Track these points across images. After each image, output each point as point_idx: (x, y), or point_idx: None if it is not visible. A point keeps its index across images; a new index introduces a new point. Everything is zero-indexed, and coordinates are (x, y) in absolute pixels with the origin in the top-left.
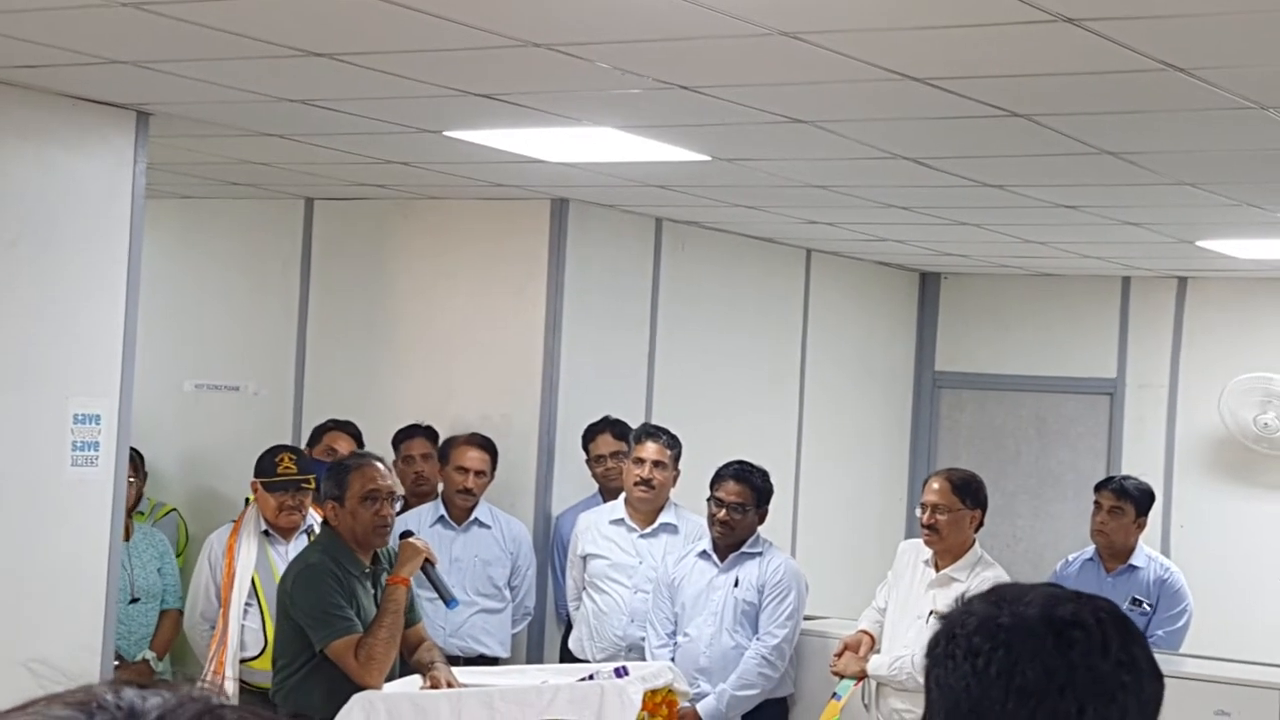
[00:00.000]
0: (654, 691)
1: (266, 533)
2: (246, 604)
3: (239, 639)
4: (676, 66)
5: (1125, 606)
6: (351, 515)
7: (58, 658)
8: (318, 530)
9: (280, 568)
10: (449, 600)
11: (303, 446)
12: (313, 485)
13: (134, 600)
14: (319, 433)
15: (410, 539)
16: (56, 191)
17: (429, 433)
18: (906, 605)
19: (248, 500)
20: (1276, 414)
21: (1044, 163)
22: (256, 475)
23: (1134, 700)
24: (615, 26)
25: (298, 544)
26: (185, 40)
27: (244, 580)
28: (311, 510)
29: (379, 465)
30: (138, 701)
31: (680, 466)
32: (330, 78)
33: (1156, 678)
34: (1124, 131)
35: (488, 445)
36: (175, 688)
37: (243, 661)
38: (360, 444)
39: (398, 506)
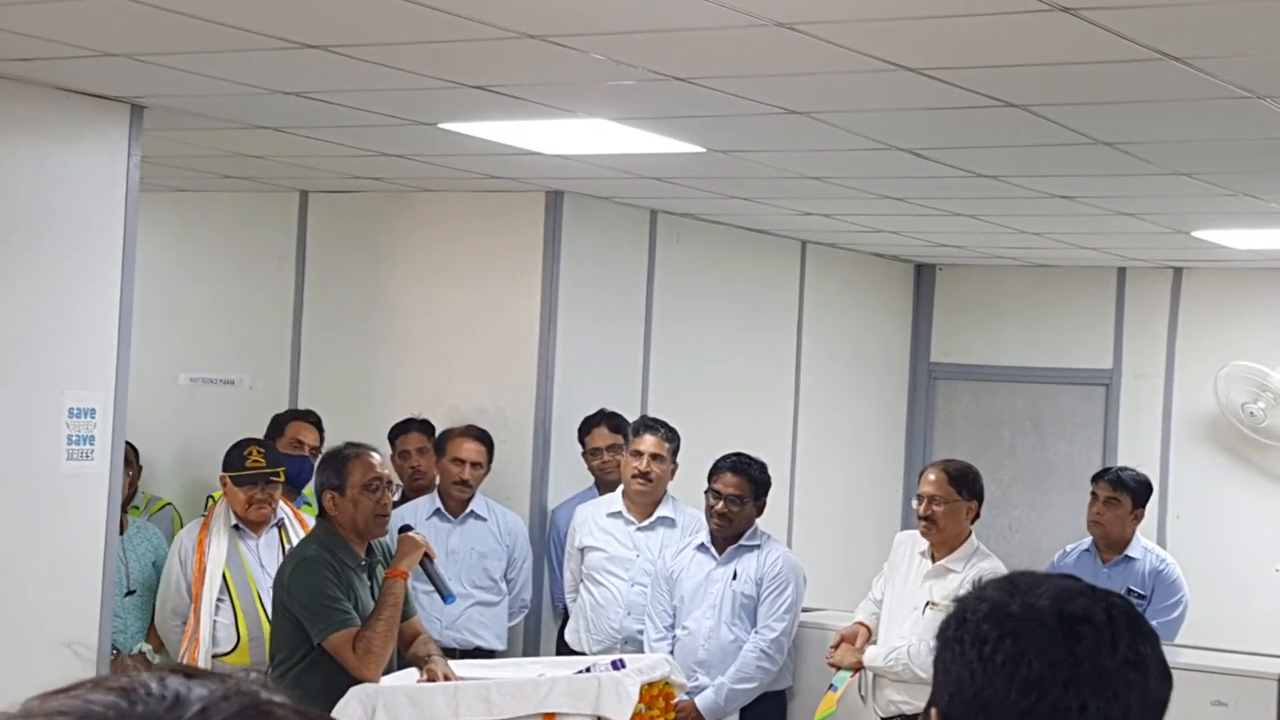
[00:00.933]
0: (651, 684)
1: (237, 527)
2: (218, 599)
3: (211, 635)
4: (671, 58)
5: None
6: (353, 504)
7: (54, 651)
8: (287, 524)
9: (251, 562)
10: (446, 595)
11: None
12: (282, 478)
13: (129, 593)
14: (280, 423)
15: (409, 533)
16: (51, 185)
17: (425, 426)
18: (903, 597)
19: (209, 499)
20: (1265, 405)
21: (1039, 153)
22: (225, 469)
23: (1138, 698)
24: (610, 18)
25: (268, 538)
26: (179, 33)
27: (215, 576)
28: (281, 503)
29: (375, 455)
30: (182, 690)
31: (678, 460)
32: (324, 70)
33: (1164, 677)
34: (1120, 121)
35: (484, 437)
36: (222, 679)
37: (215, 657)
38: (322, 432)
39: (395, 497)
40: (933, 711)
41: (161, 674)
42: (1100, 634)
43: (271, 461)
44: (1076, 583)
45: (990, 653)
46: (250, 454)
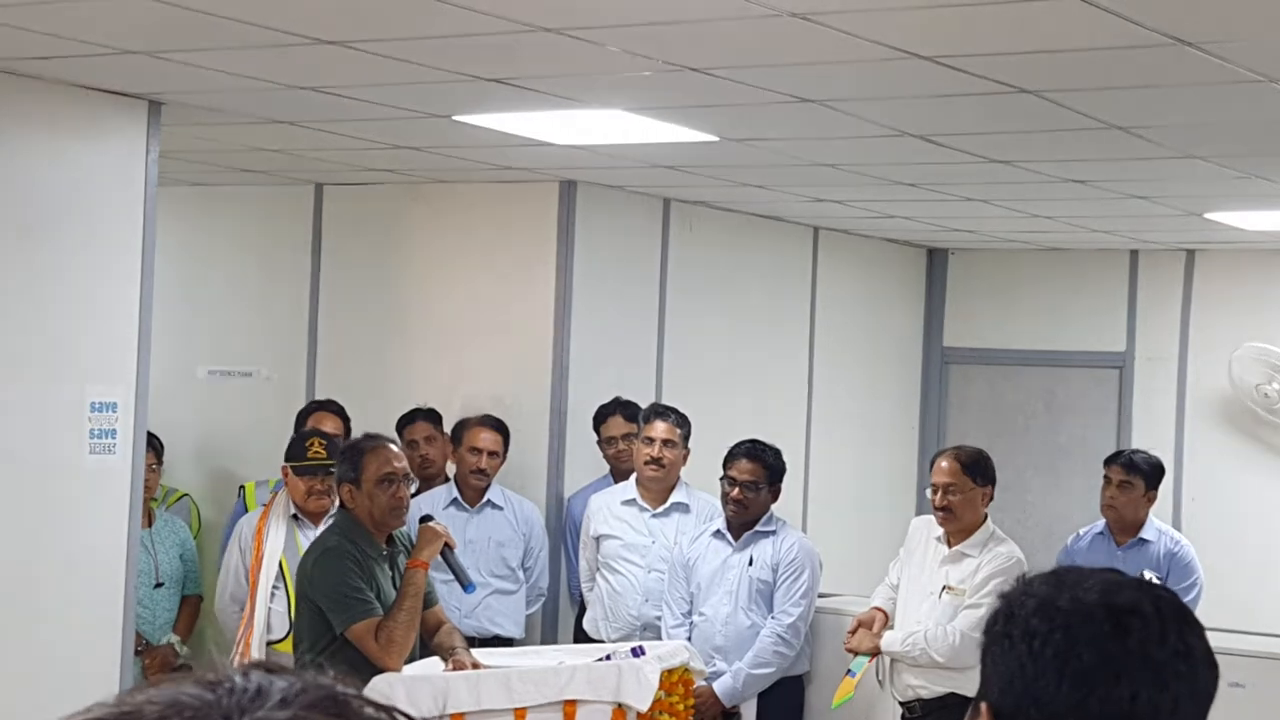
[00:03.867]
0: (670, 670)
1: (295, 517)
2: (274, 587)
3: (265, 621)
4: (685, 49)
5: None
6: (369, 498)
7: (79, 643)
8: None
9: None
10: (466, 585)
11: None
12: None
13: (159, 585)
14: (304, 415)
15: (430, 523)
16: (70, 182)
17: (431, 415)
18: (919, 581)
19: (242, 488)
20: (1279, 386)
21: (1052, 138)
22: (287, 460)
23: (1187, 688)
24: (624, 10)
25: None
26: (196, 30)
27: (271, 563)
28: (342, 495)
29: (392, 447)
30: (264, 683)
31: (690, 446)
32: (340, 65)
33: (1211, 667)
34: (1132, 106)
35: (500, 427)
36: (301, 674)
37: (269, 644)
38: (347, 422)
39: (412, 488)
40: (982, 705)
41: (246, 670)
42: (1149, 625)
43: (332, 453)
44: (1122, 576)
45: (1040, 646)
46: (312, 445)
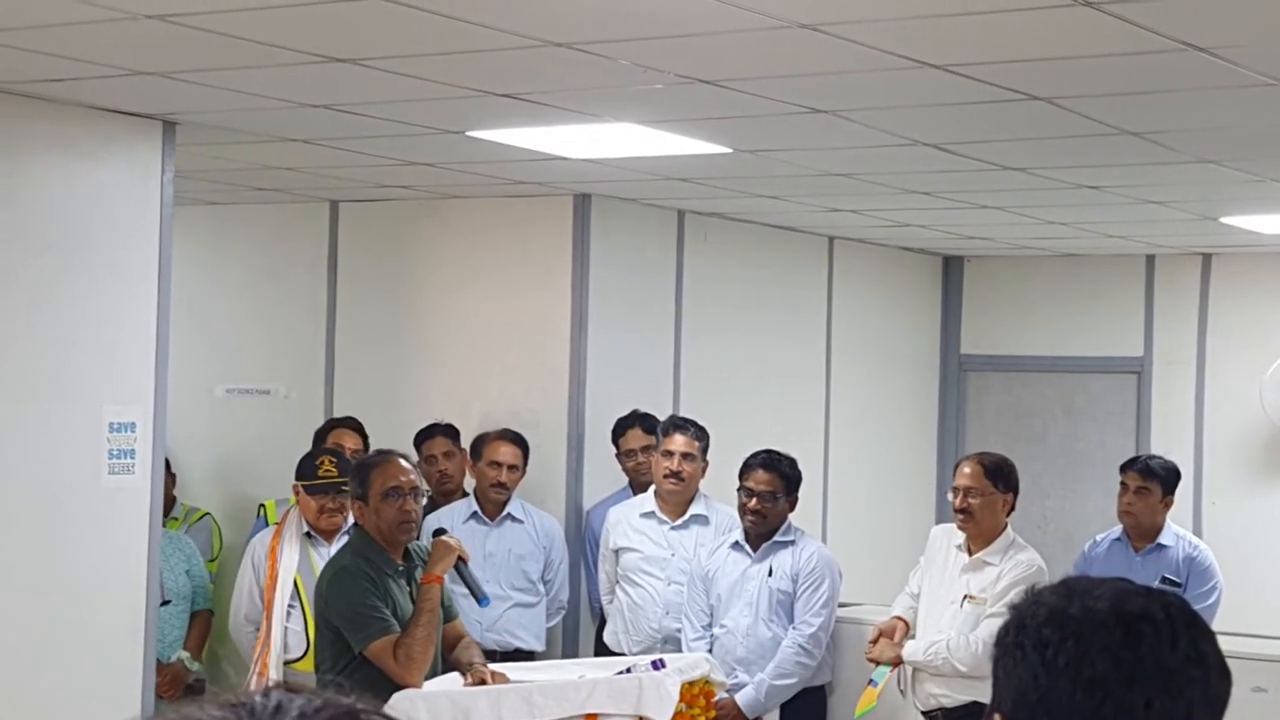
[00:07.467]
0: (691, 683)
1: (309, 535)
2: (289, 606)
3: (282, 641)
4: (697, 61)
5: (1155, 585)
6: (375, 513)
7: (99, 663)
8: None
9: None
10: (481, 598)
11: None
12: None
13: (165, 603)
14: (323, 433)
15: (443, 537)
16: (86, 203)
17: (449, 430)
18: (940, 590)
19: (262, 506)
20: None
21: (1066, 144)
22: (297, 478)
23: (1200, 695)
24: (635, 24)
25: (339, 546)
26: (209, 50)
27: (286, 582)
28: (353, 512)
29: (401, 461)
30: (284, 701)
31: (709, 458)
32: (352, 82)
33: (1225, 675)
34: (1145, 111)
35: (519, 440)
36: (320, 693)
37: (286, 663)
38: (366, 439)
39: (423, 502)
40: (995, 717)
41: (266, 689)
42: (1160, 632)
43: (343, 471)
44: (1131, 584)
45: (1053, 655)
46: (322, 463)
